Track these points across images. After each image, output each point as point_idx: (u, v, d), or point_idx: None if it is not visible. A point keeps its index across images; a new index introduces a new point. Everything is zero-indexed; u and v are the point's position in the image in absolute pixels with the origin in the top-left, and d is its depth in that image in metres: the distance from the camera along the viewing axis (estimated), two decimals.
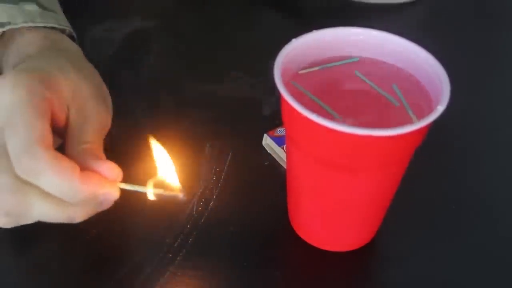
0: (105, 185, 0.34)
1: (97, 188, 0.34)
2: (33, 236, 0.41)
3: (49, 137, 0.34)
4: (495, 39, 0.65)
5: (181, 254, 0.40)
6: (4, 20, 0.42)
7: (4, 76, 0.36)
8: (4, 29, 0.42)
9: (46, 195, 0.34)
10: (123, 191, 0.36)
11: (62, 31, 0.45)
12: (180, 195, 0.36)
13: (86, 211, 0.36)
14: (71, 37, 0.46)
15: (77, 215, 0.35)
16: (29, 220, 0.36)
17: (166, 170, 0.36)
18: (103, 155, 0.36)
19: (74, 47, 0.44)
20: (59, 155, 0.33)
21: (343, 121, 0.34)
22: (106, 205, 0.36)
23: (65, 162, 0.33)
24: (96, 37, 0.61)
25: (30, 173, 0.33)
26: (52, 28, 0.44)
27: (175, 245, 0.41)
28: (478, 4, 0.70)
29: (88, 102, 0.38)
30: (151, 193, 0.36)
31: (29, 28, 0.43)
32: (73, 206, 0.35)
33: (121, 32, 0.61)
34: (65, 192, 0.33)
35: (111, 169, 0.35)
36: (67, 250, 0.40)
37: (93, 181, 0.34)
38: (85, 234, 0.41)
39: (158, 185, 0.36)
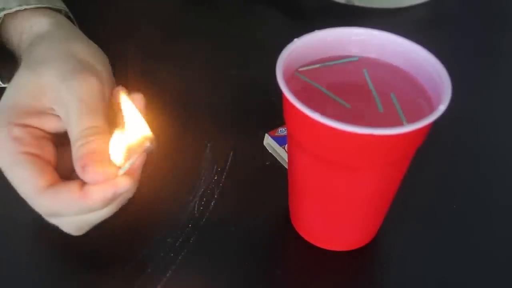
0: (108, 187, 0.34)
1: (103, 195, 0.34)
2: (34, 235, 0.41)
3: (39, 176, 0.35)
4: (495, 39, 0.65)
5: (182, 253, 0.40)
6: None
7: None
8: (0, 15, 0.42)
9: None
10: None
11: (58, 11, 0.44)
12: (148, 145, 0.34)
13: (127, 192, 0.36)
14: (67, 17, 0.45)
15: (124, 199, 0.37)
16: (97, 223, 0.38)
17: (133, 122, 0.35)
18: (96, 142, 0.35)
19: (44, 24, 0.42)
20: (54, 190, 0.34)
21: (352, 110, 0.35)
22: (131, 190, 0.36)
23: (62, 192, 0.34)
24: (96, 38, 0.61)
25: (51, 215, 0.36)
26: (48, 8, 0.43)
27: (177, 244, 0.41)
28: (479, 6, 0.70)
29: (60, 90, 0.36)
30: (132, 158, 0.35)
31: (10, 22, 0.43)
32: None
33: (121, 31, 0.62)
34: (82, 212, 0.35)
35: (96, 175, 0.34)
36: (69, 249, 0.40)
37: (95, 192, 0.34)
38: (87, 233, 0.41)
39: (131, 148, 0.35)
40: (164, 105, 0.52)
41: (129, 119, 0.35)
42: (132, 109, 0.35)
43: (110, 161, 0.34)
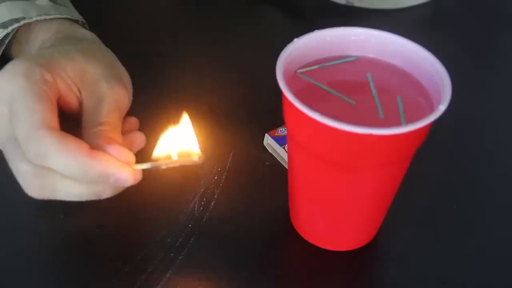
0: (115, 164, 0.34)
1: (106, 166, 0.34)
2: (35, 234, 0.41)
3: (52, 119, 0.34)
4: (495, 39, 0.65)
5: (182, 253, 0.40)
6: (19, 15, 0.42)
7: (3, 68, 0.36)
8: (20, 24, 0.42)
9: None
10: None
11: (75, 22, 0.46)
12: (196, 159, 0.36)
13: (110, 189, 0.36)
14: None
15: (103, 192, 0.36)
16: (58, 198, 0.37)
17: (184, 138, 0.37)
18: (117, 137, 0.36)
19: (88, 34, 0.44)
20: (64, 135, 0.33)
21: (353, 110, 0.35)
22: (124, 184, 0.35)
23: (70, 142, 0.33)
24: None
25: (39, 157, 0.33)
26: (66, 19, 0.44)
27: (177, 244, 0.41)
28: (479, 6, 0.70)
29: (99, 83, 0.38)
30: (165, 164, 0.36)
31: (41, 26, 0.43)
32: (96, 183, 0.35)
33: (119, 32, 0.62)
34: (74, 171, 0.34)
35: (121, 152, 0.35)
36: (69, 249, 0.41)
37: (102, 159, 0.34)
38: (87, 233, 0.41)
39: (171, 157, 0.36)
40: (164, 105, 0.52)
41: (184, 133, 0.37)
42: (189, 126, 0.38)
43: (130, 152, 0.35)
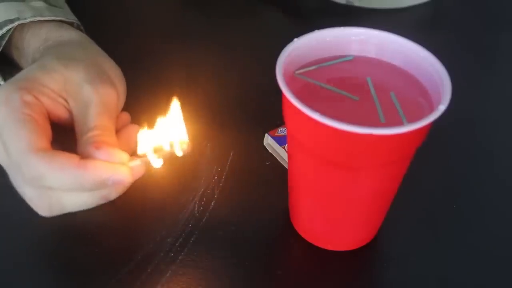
0: (107, 168, 0.34)
1: (99, 173, 0.34)
2: (34, 234, 0.41)
3: (39, 139, 0.34)
4: (495, 39, 0.65)
5: (182, 253, 0.40)
6: (13, 16, 0.42)
7: None
8: (14, 24, 0.42)
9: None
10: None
11: (71, 24, 0.46)
12: (184, 150, 0.37)
13: (115, 190, 0.36)
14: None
15: (109, 194, 0.36)
16: (69, 211, 0.37)
17: (172, 129, 0.37)
18: (109, 138, 0.36)
19: (75, 35, 0.44)
20: (52, 153, 0.34)
21: (357, 107, 0.35)
22: (124, 184, 0.36)
23: (59, 158, 0.34)
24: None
25: (35, 180, 0.34)
26: (61, 21, 0.44)
27: (177, 244, 0.41)
28: (479, 6, 0.70)
29: (83, 88, 0.38)
30: (157, 160, 0.37)
31: (32, 32, 0.43)
32: (98, 189, 0.35)
33: (120, 31, 0.62)
34: (71, 184, 0.34)
35: (111, 154, 0.35)
36: (69, 248, 0.41)
37: (92, 167, 0.34)
38: (87, 233, 0.41)
39: (160, 150, 0.37)
40: (163, 105, 0.52)
41: (171, 121, 0.37)
42: (177, 113, 0.38)
43: (121, 152, 0.35)
